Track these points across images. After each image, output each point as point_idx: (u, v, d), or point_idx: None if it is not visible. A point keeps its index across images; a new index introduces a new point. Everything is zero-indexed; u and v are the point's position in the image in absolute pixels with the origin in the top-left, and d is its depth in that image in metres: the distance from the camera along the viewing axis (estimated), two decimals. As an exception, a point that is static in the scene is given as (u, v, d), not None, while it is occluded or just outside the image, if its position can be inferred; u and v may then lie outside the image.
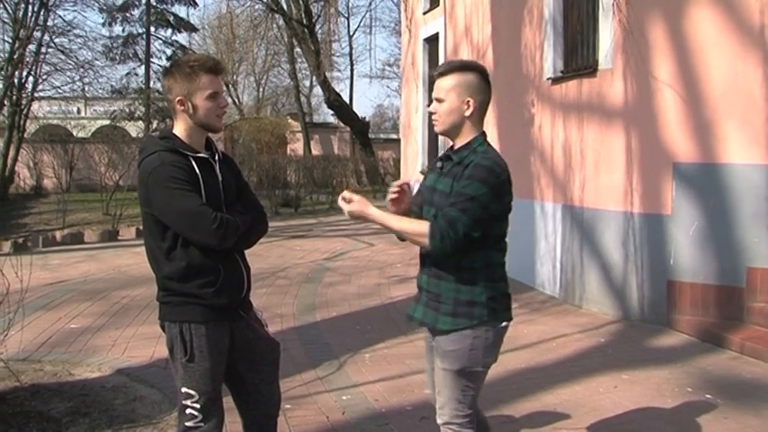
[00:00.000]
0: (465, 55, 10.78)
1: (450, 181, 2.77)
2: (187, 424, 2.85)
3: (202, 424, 2.84)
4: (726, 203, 6.27)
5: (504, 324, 2.86)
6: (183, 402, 2.84)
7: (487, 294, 2.79)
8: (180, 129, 2.86)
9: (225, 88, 3.23)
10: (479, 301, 2.77)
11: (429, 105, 2.95)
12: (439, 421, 2.90)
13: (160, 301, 2.89)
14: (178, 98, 2.80)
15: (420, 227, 2.73)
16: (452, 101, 2.81)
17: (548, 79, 8.14)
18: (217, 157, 2.93)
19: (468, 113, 2.82)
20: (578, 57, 7.80)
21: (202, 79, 2.79)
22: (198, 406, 2.82)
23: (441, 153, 3.18)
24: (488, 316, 2.78)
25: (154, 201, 2.74)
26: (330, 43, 34.58)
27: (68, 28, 22.85)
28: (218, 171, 2.90)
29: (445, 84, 2.82)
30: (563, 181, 7.86)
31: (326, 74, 30.20)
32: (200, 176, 2.77)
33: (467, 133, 2.85)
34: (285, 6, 26.68)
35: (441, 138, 2.84)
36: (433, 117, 2.89)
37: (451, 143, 2.95)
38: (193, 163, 2.78)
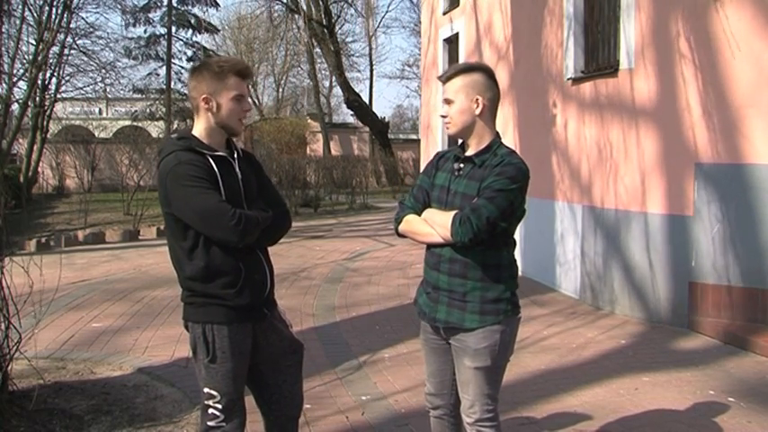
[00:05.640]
0: (485, 55, 10.76)
1: (477, 183, 2.78)
2: (209, 423, 2.86)
3: (224, 424, 2.85)
4: (750, 204, 6.20)
5: (519, 316, 2.93)
6: (206, 402, 2.85)
7: (511, 290, 2.86)
8: (200, 128, 2.86)
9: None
10: (504, 297, 2.83)
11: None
12: (469, 420, 2.88)
13: (184, 301, 2.89)
14: (203, 96, 2.81)
15: (446, 217, 2.76)
16: (461, 101, 2.83)
17: (569, 79, 8.10)
18: (236, 155, 2.93)
19: (478, 112, 2.83)
20: (599, 57, 7.76)
21: (230, 80, 2.81)
22: (220, 406, 2.83)
23: (442, 150, 3.19)
24: (512, 311, 2.86)
25: (173, 200, 2.74)
26: (344, 37, 34.66)
27: (91, 30, 23.10)
28: (237, 169, 2.90)
29: (453, 86, 2.85)
30: (584, 181, 7.81)
31: (346, 74, 30.28)
32: (218, 174, 2.77)
33: (481, 134, 2.87)
34: (305, 7, 26.79)
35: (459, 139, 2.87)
36: (445, 120, 2.90)
37: (462, 143, 2.96)
38: (211, 161, 2.78)
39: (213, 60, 2.88)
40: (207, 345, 2.79)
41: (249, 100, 2.97)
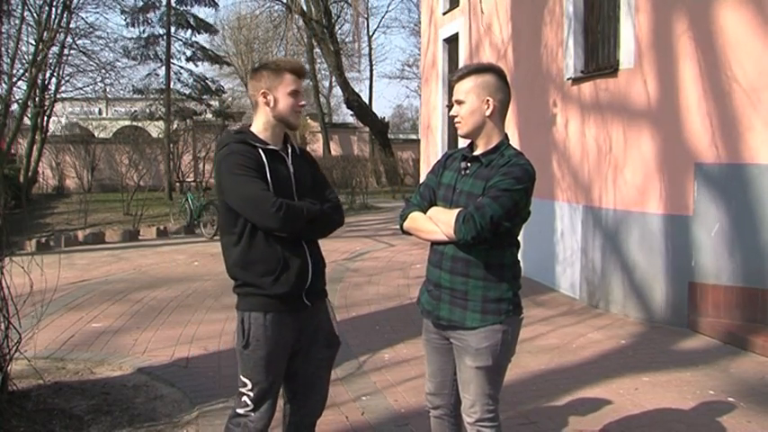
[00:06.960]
0: (485, 55, 10.75)
1: (482, 183, 2.78)
2: (238, 411, 2.93)
3: (252, 413, 2.90)
4: (750, 204, 6.20)
5: (522, 316, 2.94)
6: (240, 390, 2.93)
7: (513, 290, 2.87)
8: (259, 123, 3.00)
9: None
10: (506, 297, 2.83)
11: (450, 110, 2.95)
12: (469, 420, 2.88)
13: (234, 291, 2.99)
14: (262, 91, 2.96)
15: (450, 215, 2.77)
16: (472, 102, 2.83)
17: (569, 79, 8.10)
18: (290, 151, 3.04)
19: (488, 113, 2.84)
20: (599, 57, 7.75)
21: (286, 77, 2.96)
22: (251, 395, 2.89)
23: (450, 149, 3.18)
24: (513, 311, 2.85)
25: (223, 187, 2.89)
26: (353, 42, 34.67)
27: (90, 30, 23.08)
28: (289, 164, 3.00)
29: (464, 86, 2.86)
30: (584, 182, 7.81)
31: (346, 74, 30.26)
32: (266, 166, 2.88)
33: (490, 134, 2.88)
34: (304, 7, 26.77)
35: (460, 139, 2.87)
36: (456, 120, 2.91)
37: (470, 143, 2.96)
38: (261, 153, 2.90)
39: (271, 60, 3.09)
40: (243, 331, 2.88)
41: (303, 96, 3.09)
